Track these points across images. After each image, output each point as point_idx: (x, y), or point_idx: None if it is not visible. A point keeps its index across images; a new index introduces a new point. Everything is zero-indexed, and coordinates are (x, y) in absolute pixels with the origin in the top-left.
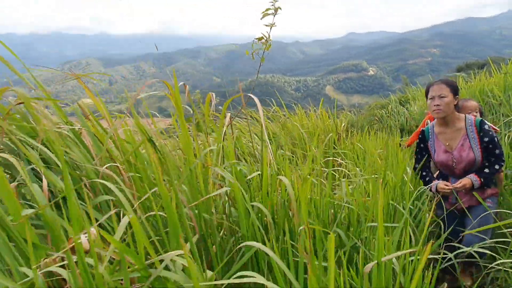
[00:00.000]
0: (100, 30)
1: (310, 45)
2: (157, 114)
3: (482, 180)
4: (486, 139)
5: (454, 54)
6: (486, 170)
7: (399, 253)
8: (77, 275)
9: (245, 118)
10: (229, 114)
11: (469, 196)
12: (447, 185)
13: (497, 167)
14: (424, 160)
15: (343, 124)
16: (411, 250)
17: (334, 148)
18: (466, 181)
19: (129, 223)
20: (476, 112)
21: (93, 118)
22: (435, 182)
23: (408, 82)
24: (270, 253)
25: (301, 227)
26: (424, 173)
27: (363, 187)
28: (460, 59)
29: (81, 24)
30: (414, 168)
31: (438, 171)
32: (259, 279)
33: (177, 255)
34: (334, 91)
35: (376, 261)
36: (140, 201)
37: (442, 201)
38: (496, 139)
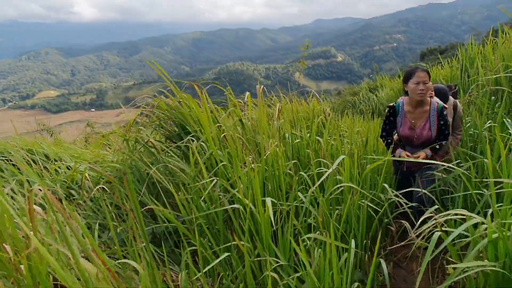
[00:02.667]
0: (59, 18)
1: (277, 33)
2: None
3: (433, 152)
4: (442, 122)
5: (417, 39)
6: (437, 146)
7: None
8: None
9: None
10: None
11: (417, 164)
12: (408, 156)
13: (443, 142)
14: (388, 130)
15: (327, 109)
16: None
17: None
18: (423, 154)
19: None
20: (432, 91)
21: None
22: (399, 150)
23: (378, 70)
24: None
25: None
26: (389, 140)
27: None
28: (424, 45)
29: (38, 12)
30: (381, 136)
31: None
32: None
33: None
34: (303, 78)
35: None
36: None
37: (398, 164)
38: (448, 122)
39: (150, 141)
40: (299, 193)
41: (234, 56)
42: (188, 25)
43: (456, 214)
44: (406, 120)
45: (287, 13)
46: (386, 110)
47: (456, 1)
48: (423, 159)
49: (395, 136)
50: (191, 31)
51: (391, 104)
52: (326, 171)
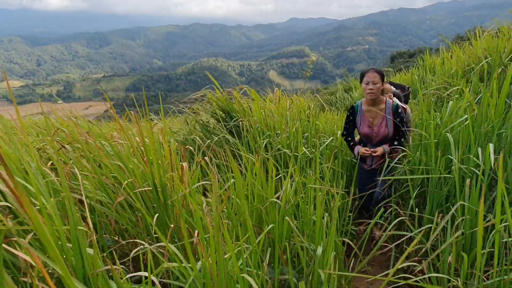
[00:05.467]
0: (23, 5)
1: (252, 30)
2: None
3: (391, 147)
4: (398, 119)
5: (388, 42)
6: (396, 143)
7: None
8: None
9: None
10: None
11: (380, 159)
12: (367, 150)
13: (402, 139)
14: (349, 129)
15: (312, 106)
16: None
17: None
18: (380, 150)
19: None
20: (391, 93)
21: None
22: (357, 147)
23: (348, 74)
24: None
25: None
26: (349, 139)
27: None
28: (394, 48)
29: None
30: (342, 134)
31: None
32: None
33: None
34: (277, 76)
35: None
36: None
37: (361, 163)
38: (404, 119)
39: (209, 122)
40: (312, 150)
41: (208, 51)
42: (160, 19)
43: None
44: (365, 119)
45: (262, 11)
46: (347, 111)
47: (425, 7)
48: (381, 154)
49: (357, 137)
50: (162, 24)
51: (352, 105)
52: (324, 141)
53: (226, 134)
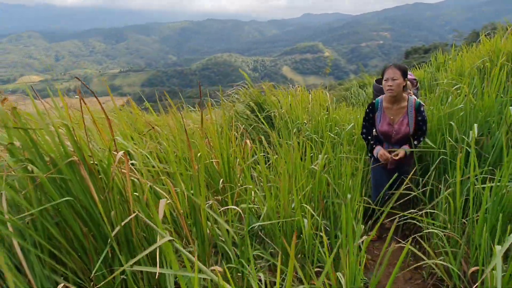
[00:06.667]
0: (40, 1)
1: (266, 25)
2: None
3: (412, 149)
4: (419, 118)
5: (403, 38)
6: (415, 142)
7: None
8: None
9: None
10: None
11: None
12: (387, 157)
13: (422, 139)
14: (368, 127)
15: (329, 100)
16: None
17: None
18: (402, 153)
19: None
20: (411, 89)
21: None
22: (377, 148)
23: (364, 69)
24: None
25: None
26: (369, 137)
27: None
28: (409, 43)
29: None
30: (362, 133)
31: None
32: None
33: None
34: (291, 72)
35: None
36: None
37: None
38: (425, 118)
39: (245, 113)
40: (335, 136)
41: (221, 47)
42: (173, 14)
43: None
44: (385, 116)
45: (276, 6)
46: (366, 108)
47: (441, 2)
48: (402, 156)
49: (374, 132)
50: (177, 20)
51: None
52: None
53: (261, 123)
